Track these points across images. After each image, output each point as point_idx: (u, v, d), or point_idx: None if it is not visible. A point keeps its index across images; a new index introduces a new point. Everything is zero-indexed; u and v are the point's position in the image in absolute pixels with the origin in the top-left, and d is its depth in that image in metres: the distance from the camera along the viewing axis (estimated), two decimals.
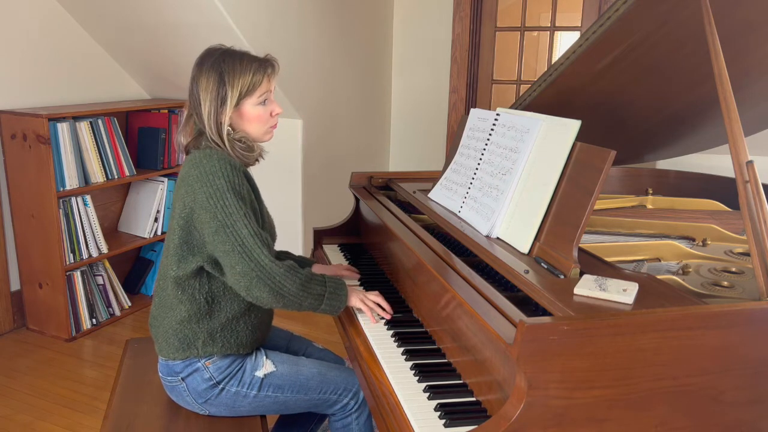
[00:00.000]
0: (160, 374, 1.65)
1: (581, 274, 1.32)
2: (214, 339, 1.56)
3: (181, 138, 1.63)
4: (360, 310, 1.66)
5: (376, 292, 1.68)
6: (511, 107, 1.97)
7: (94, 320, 3.14)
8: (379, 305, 1.65)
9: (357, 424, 1.67)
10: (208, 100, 1.54)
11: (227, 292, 1.56)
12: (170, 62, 3.35)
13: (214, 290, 1.56)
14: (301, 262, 1.92)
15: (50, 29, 3.12)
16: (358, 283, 1.91)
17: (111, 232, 3.47)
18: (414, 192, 2.08)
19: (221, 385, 1.57)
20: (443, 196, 1.89)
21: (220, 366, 1.58)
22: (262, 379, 1.59)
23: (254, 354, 1.63)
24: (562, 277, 1.33)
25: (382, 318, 1.65)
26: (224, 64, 1.54)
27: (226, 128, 1.55)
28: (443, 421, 1.21)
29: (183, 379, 1.58)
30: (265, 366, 1.61)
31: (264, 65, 1.58)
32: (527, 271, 1.36)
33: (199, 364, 1.57)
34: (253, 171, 1.67)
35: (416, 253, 1.62)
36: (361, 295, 1.66)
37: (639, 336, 1.09)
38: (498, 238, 1.58)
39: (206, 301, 1.55)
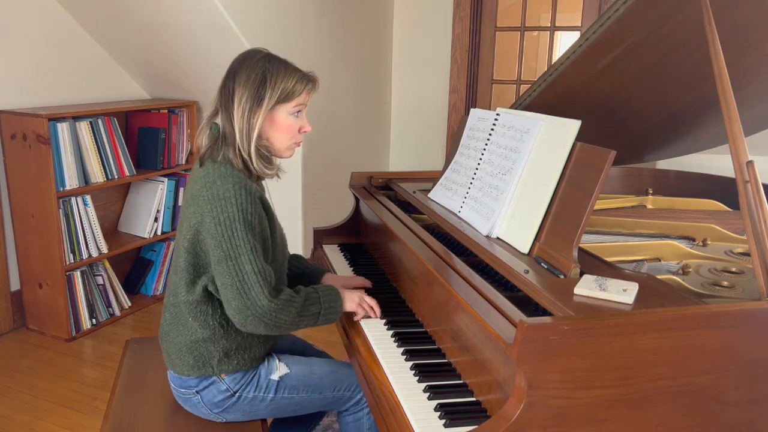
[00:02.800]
0: (171, 384, 1.63)
1: (581, 274, 1.32)
2: (230, 357, 1.54)
3: (203, 140, 1.56)
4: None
5: (371, 298, 1.67)
6: (511, 107, 1.97)
7: (94, 320, 3.14)
8: (372, 308, 1.65)
9: (368, 418, 1.67)
10: (245, 98, 1.48)
11: None
12: (170, 62, 3.35)
13: (227, 313, 1.51)
14: (314, 270, 1.88)
15: (50, 29, 3.12)
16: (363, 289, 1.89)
17: (111, 232, 3.47)
18: (414, 192, 2.08)
19: (238, 394, 1.56)
20: (443, 196, 1.89)
21: (236, 377, 1.56)
22: (278, 381, 1.59)
23: (266, 358, 1.63)
24: (562, 277, 1.33)
25: (378, 316, 1.65)
26: (269, 65, 1.50)
27: (257, 131, 1.49)
28: (443, 421, 1.21)
29: (198, 392, 1.57)
30: (279, 369, 1.60)
31: (307, 77, 1.54)
32: (527, 271, 1.36)
33: (215, 377, 1.56)
34: None
35: (416, 253, 1.62)
36: (357, 298, 1.64)
37: (639, 336, 1.09)
38: (498, 238, 1.58)
39: (220, 325, 1.52)
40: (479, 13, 4.13)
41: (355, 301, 1.63)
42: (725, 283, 1.45)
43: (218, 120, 1.55)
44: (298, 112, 1.55)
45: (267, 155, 1.55)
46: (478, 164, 1.76)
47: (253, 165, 1.51)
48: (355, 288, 1.85)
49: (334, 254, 2.20)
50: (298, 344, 1.86)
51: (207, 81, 3.38)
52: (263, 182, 1.64)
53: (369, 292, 1.83)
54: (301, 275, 1.86)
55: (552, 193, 1.45)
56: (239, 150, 1.49)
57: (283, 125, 1.53)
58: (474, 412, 1.24)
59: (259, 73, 1.49)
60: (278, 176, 1.60)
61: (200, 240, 1.47)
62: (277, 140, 1.55)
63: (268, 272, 1.44)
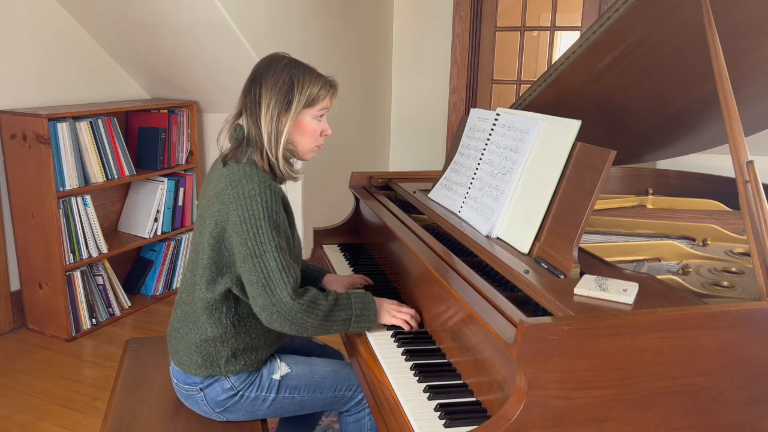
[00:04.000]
0: (174, 379, 1.63)
1: (581, 274, 1.32)
2: (237, 358, 1.55)
3: (226, 141, 1.59)
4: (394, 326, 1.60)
5: (410, 309, 1.62)
6: (511, 107, 1.97)
7: (93, 320, 3.14)
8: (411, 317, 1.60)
9: (370, 419, 1.67)
10: (273, 103, 1.51)
11: (252, 313, 1.53)
12: (170, 62, 3.35)
13: (241, 313, 1.54)
14: (314, 271, 1.89)
15: (50, 29, 3.12)
16: (363, 288, 1.86)
17: (111, 232, 3.47)
18: (414, 192, 2.08)
19: (240, 393, 1.57)
20: (443, 196, 1.89)
21: (241, 376, 1.57)
22: (279, 381, 1.59)
23: (268, 358, 1.63)
24: (562, 277, 1.33)
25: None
26: (295, 70, 1.54)
27: (285, 135, 1.53)
28: (443, 421, 1.21)
29: (201, 389, 1.57)
30: (280, 368, 1.61)
31: (330, 83, 1.59)
32: (527, 271, 1.36)
33: (220, 376, 1.57)
34: None
35: (416, 253, 1.62)
36: (393, 311, 1.59)
37: (639, 336, 1.09)
38: (498, 238, 1.58)
39: (232, 325, 1.53)
40: (479, 13, 4.13)
41: (391, 313, 1.58)
42: (725, 283, 1.45)
43: (241, 121, 1.58)
44: (321, 116, 1.59)
45: (291, 158, 1.59)
46: (478, 164, 1.76)
47: (279, 169, 1.55)
48: (356, 285, 1.86)
49: (334, 254, 2.20)
50: (297, 341, 1.85)
51: (207, 81, 3.38)
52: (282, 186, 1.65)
53: (369, 290, 1.84)
54: (302, 276, 1.85)
55: (552, 193, 1.45)
56: (266, 154, 1.53)
57: (308, 129, 1.58)
58: (474, 412, 1.24)
59: (287, 78, 1.52)
60: (299, 177, 1.63)
61: (225, 238, 1.49)
62: (301, 144, 1.59)
63: (294, 270, 1.46)
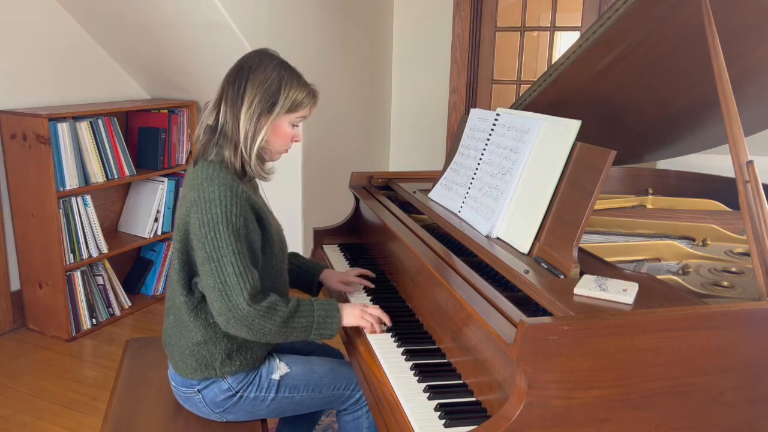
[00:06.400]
0: (172, 382, 1.63)
1: (581, 274, 1.32)
2: (232, 359, 1.54)
3: (200, 133, 1.57)
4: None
5: (376, 307, 1.62)
6: (511, 107, 1.97)
7: (94, 320, 3.14)
8: (379, 318, 1.59)
9: (367, 417, 1.67)
10: (256, 100, 1.49)
11: None
12: (170, 62, 3.35)
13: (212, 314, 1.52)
14: (312, 267, 1.89)
15: (50, 29, 3.12)
16: (363, 289, 1.86)
17: (111, 232, 3.47)
18: (414, 192, 2.08)
19: (240, 393, 1.57)
20: (443, 196, 1.89)
21: (238, 376, 1.57)
22: (279, 381, 1.59)
23: (267, 358, 1.63)
24: (562, 277, 1.33)
25: (386, 327, 1.60)
26: (285, 73, 1.52)
27: (262, 135, 1.51)
28: (443, 421, 1.21)
29: (199, 391, 1.57)
30: (279, 368, 1.61)
31: (314, 93, 1.58)
32: (527, 271, 1.36)
33: (217, 378, 1.56)
34: None
35: (416, 253, 1.62)
36: (358, 312, 1.58)
37: (639, 336, 1.09)
38: (498, 238, 1.58)
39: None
40: (479, 13, 4.12)
41: (355, 315, 1.57)
42: (725, 283, 1.45)
43: (219, 112, 1.54)
44: (298, 123, 1.58)
45: (263, 157, 1.58)
46: (478, 164, 1.76)
47: (251, 166, 1.53)
48: (356, 278, 1.85)
49: (334, 254, 2.20)
50: (297, 342, 1.86)
51: (207, 81, 3.38)
52: (258, 180, 1.64)
53: (369, 291, 1.84)
54: (299, 273, 1.87)
55: (552, 193, 1.45)
56: (241, 150, 1.51)
57: (283, 133, 1.56)
58: (474, 412, 1.24)
59: (276, 79, 1.50)
60: (269, 178, 1.62)
61: (189, 240, 1.49)
62: (273, 145, 1.57)
63: (252, 276, 1.44)
